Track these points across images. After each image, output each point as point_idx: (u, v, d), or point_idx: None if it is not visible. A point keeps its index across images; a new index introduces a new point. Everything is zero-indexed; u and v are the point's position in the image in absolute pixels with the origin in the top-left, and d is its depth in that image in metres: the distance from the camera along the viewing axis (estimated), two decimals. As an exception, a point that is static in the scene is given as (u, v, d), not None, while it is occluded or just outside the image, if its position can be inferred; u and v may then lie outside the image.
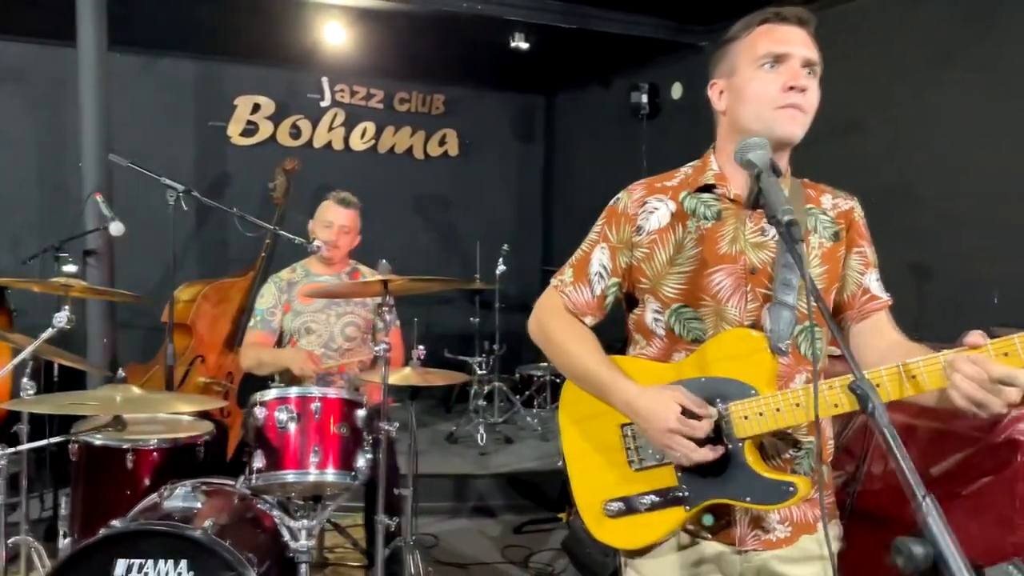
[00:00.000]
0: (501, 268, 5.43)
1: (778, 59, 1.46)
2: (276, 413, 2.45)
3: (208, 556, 2.25)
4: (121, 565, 2.24)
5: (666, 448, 1.43)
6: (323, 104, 6.26)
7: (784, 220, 1.23)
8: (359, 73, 6.29)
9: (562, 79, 6.76)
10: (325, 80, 6.23)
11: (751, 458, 1.42)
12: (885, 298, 1.58)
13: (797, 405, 1.37)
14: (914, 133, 3.91)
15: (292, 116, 6.15)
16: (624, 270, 1.59)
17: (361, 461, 2.55)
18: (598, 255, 1.60)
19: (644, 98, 5.53)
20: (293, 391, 2.55)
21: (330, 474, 2.51)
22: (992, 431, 2.41)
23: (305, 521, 2.51)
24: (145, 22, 5.14)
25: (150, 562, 2.24)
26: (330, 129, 6.29)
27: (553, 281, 1.66)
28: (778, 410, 1.38)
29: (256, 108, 6.03)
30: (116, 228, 3.36)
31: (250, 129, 6.03)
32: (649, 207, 1.57)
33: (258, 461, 2.46)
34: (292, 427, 2.48)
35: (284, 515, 2.55)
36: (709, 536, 1.53)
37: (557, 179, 7.11)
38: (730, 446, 1.42)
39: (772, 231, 1.49)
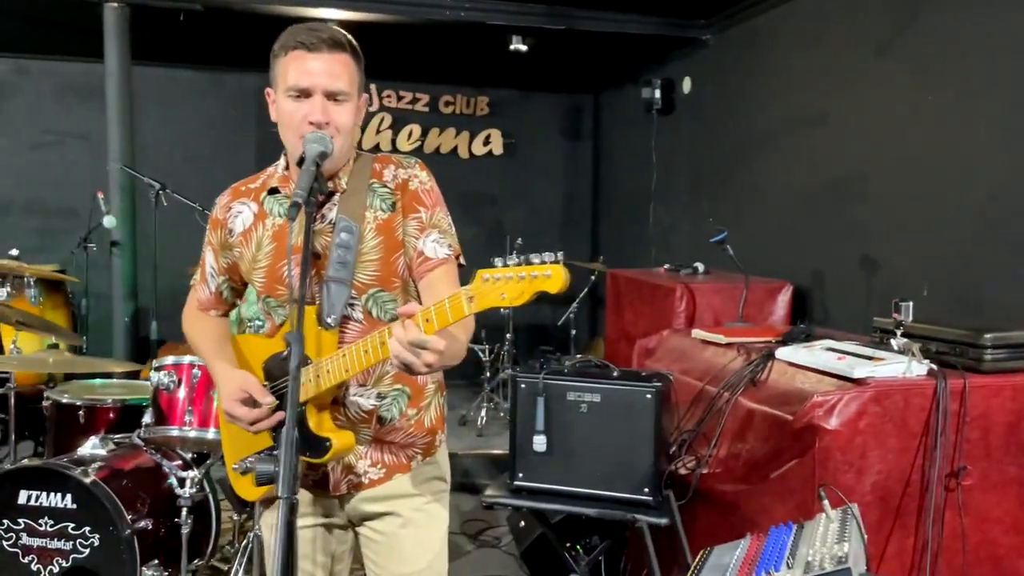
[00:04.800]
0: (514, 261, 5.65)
1: (302, 92, 1.60)
2: (160, 376, 2.87)
3: (87, 493, 2.70)
4: (23, 495, 2.74)
5: (231, 419, 1.67)
6: (371, 108, 6.74)
7: (291, 201, 1.46)
8: (406, 78, 6.73)
9: (608, 78, 6.89)
10: (373, 86, 6.71)
11: (310, 418, 1.62)
12: (437, 257, 1.68)
13: (345, 368, 1.56)
14: (867, 125, 3.80)
15: (342, 121, 6.66)
16: (227, 268, 1.83)
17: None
18: (208, 258, 1.86)
19: (657, 94, 5.59)
20: (186, 359, 2.97)
21: (211, 432, 2.90)
22: (796, 415, 2.44)
23: (191, 472, 2.93)
24: (210, 42, 5.79)
25: (44, 494, 2.73)
26: (378, 132, 6.76)
27: (192, 280, 1.93)
28: (326, 373, 1.58)
29: (309, 115, 6.58)
30: (108, 221, 3.93)
31: (303, 134, 6.59)
32: (235, 211, 1.79)
33: (147, 417, 2.90)
34: (175, 389, 2.89)
35: (175, 467, 2.97)
36: (312, 486, 1.75)
37: (603, 176, 7.24)
38: (299, 409, 1.62)
39: (329, 216, 1.69)
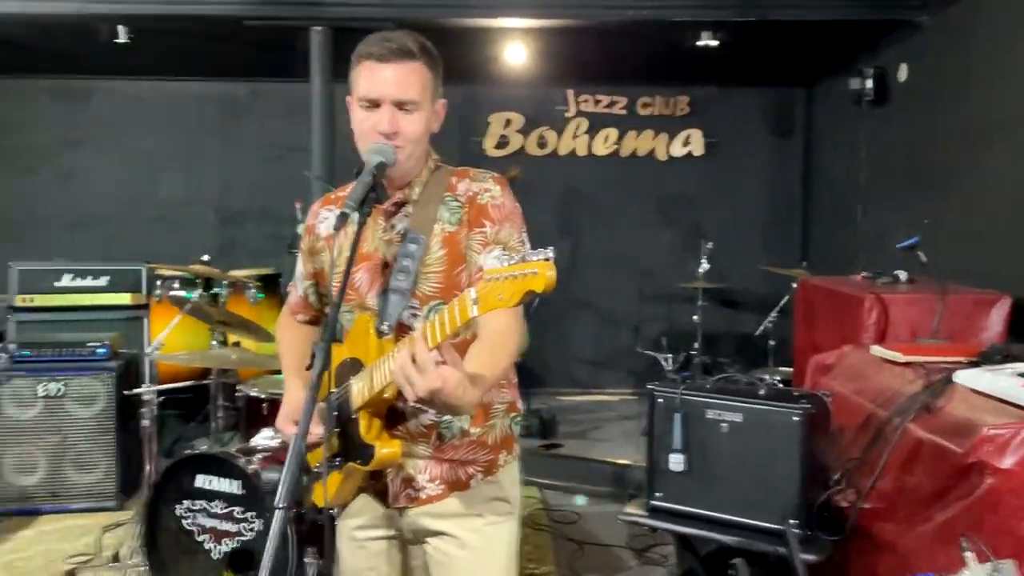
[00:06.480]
0: (705, 266, 5.42)
1: (372, 102, 1.62)
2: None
3: (251, 481, 2.94)
4: (200, 478, 3.03)
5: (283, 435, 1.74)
6: (568, 114, 6.76)
7: (339, 211, 1.48)
8: (603, 82, 6.68)
9: (820, 69, 6.41)
10: (571, 92, 6.73)
11: (363, 425, 1.63)
12: None
13: (384, 374, 1.55)
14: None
15: (539, 128, 6.76)
16: (313, 273, 1.88)
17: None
18: (299, 262, 1.92)
19: (868, 84, 5.09)
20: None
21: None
22: (966, 449, 2.12)
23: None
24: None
25: (216, 479, 3.00)
26: (574, 137, 6.77)
27: (289, 285, 1.99)
28: (373, 379, 1.58)
29: (507, 123, 6.75)
30: (301, 229, 4.22)
31: (502, 142, 6.77)
32: (321, 217, 1.84)
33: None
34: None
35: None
36: (376, 496, 1.77)
37: (813, 175, 6.73)
38: (353, 416, 1.64)
39: (399, 226, 1.68)
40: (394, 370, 1.40)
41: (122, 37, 5.00)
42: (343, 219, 1.48)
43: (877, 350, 3.00)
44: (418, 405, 1.53)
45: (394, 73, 1.62)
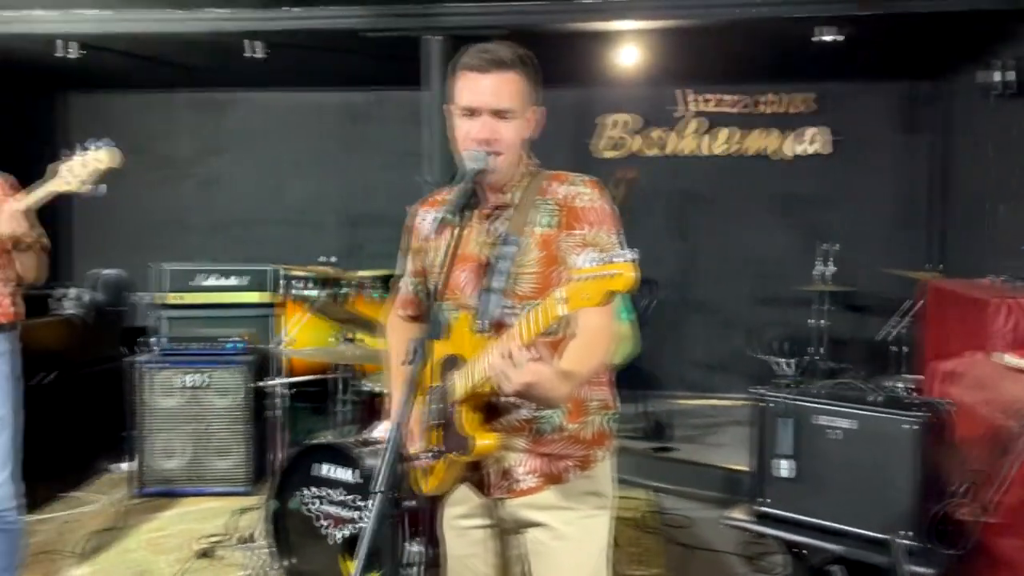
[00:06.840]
0: (825, 268, 5.25)
1: (471, 111, 1.70)
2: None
3: (365, 470, 3.08)
4: (323, 467, 3.21)
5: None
6: (682, 114, 6.68)
7: (438, 218, 1.57)
8: (721, 81, 6.57)
9: (954, 61, 6.07)
10: (685, 92, 6.66)
11: (463, 418, 1.71)
12: None
13: (483, 370, 1.62)
14: None
15: (653, 128, 6.72)
16: (418, 271, 1.98)
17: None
18: (403, 261, 2.02)
19: (997, 76, 4.81)
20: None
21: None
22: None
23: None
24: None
25: (336, 467, 3.17)
26: (689, 137, 6.69)
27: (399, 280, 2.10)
28: (472, 374, 1.66)
29: (621, 124, 6.74)
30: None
31: (616, 144, 6.76)
32: (421, 218, 1.93)
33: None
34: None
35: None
36: (473, 486, 1.84)
37: (947, 173, 6.38)
38: (451, 409, 1.72)
39: (498, 228, 1.75)
40: (491, 365, 1.48)
41: (254, 52, 5.33)
42: (442, 224, 1.57)
43: (1005, 358, 2.86)
44: (514, 399, 1.59)
45: (491, 83, 1.71)
